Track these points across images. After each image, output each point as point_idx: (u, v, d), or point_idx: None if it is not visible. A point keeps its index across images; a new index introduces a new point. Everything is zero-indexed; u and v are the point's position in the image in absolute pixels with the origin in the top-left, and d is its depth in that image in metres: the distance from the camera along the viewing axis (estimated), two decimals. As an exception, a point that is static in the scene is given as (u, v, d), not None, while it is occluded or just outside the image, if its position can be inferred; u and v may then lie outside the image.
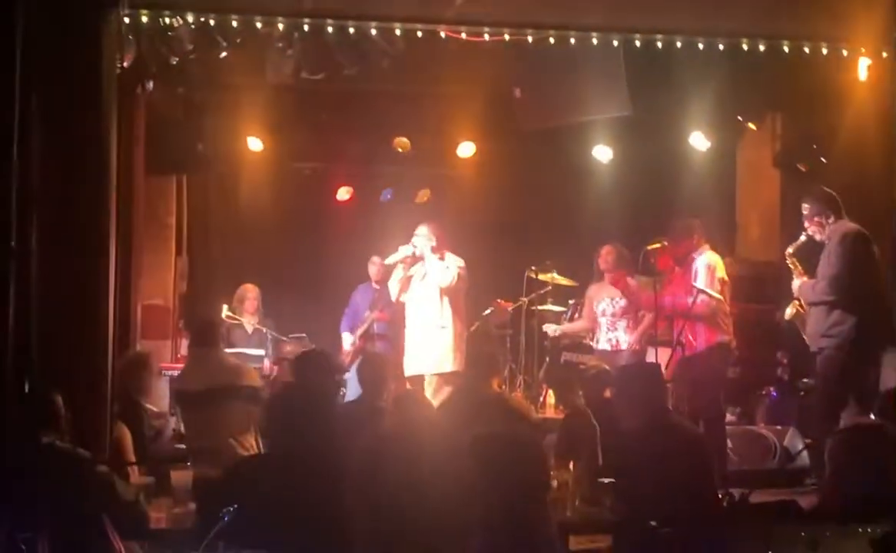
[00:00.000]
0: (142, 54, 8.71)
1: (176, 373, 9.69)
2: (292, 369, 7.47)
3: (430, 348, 9.71)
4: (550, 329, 11.57)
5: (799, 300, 8.77)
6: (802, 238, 8.82)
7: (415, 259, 9.87)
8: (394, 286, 10.03)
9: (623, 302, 10.44)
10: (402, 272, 9.91)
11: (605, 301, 10.61)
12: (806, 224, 8.66)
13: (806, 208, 8.65)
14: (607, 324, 10.59)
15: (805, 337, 8.75)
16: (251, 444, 7.50)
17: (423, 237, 9.80)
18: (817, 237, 8.59)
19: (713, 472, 6.36)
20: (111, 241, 7.62)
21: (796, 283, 8.72)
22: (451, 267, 9.70)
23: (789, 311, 8.93)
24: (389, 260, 10.00)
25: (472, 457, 2.83)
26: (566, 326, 11.52)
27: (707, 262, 9.23)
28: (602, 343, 10.58)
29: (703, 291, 9.01)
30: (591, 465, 6.24)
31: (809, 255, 8.89)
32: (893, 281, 9.00)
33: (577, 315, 11.58)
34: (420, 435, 2.77)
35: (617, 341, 10.51)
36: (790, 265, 8.86)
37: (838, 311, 8.28)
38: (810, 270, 8.70)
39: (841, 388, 8.29)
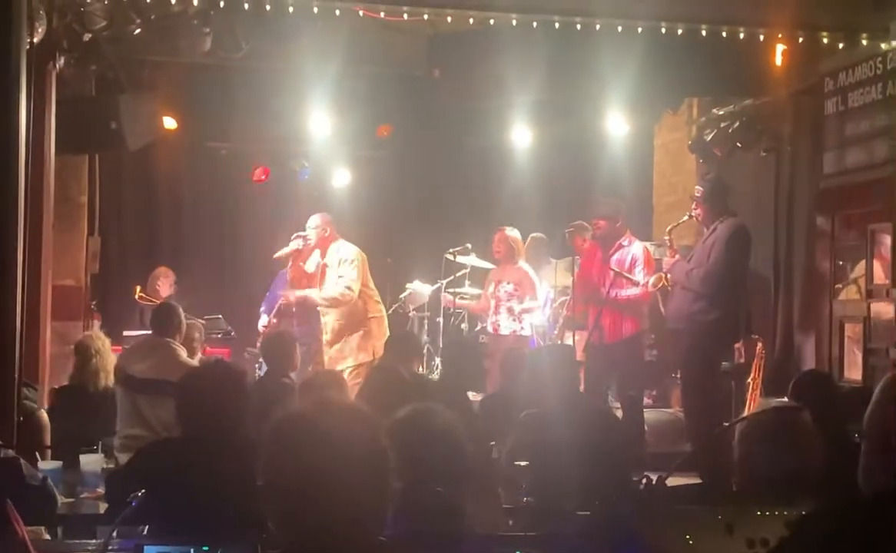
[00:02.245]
0: (53, 29, 8.51)
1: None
2: None
3: (346, 346, 9.73)
4: (447, 297, 11.53)
5: (667, 275, 8.84)
6: (685, 218, 8.92)
7: (308, 250, 9.92)
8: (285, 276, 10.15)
9: (510, 287, 10.49)
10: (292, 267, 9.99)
11: (492, 285, 10.72)
12: (694, 205, 8.72)
13: (699, 191, 8.70)
14: (494, 306, 10.67)
15: (662, 310, 8.86)
16: None
17: (313, 233, 9.85)
18: (699, 221, 8.73)
19: (627, 455, 6.40)
20: (20, 220, 7.43)
21: (669, 259, 8.80)
22: (343, 275, 9.67)
23: (653, 280, 8.99)
24: (278, 254, 10.04)
25: (392, 438, 2.78)
26: (466, 302, 11.50)
27: (643, 253, 9.26)
28: (488, 326, 10.72)
29: (622, 274, 9.05)
30: (509, 447, 6.22)
31: (693, 235, 9.04)
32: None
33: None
34: (334, 414, 2.70)
35: (497, 324, 10.58)
36: (667, 241, 8.95)
37: (704, 302, 8.39)
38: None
39: (699, 371, 8.53)
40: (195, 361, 8.07)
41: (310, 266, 10.11)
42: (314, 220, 9.94)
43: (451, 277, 11.80)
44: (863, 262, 10.23)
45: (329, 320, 9.84)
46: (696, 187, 8.80)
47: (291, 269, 10.21)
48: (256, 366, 10.75)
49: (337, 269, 9.73)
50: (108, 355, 7.92)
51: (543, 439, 5.90)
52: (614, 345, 9.15)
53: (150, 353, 7.87)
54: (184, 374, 5.22)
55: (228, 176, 13.48)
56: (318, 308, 10.04)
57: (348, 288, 9.65)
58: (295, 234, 10.22)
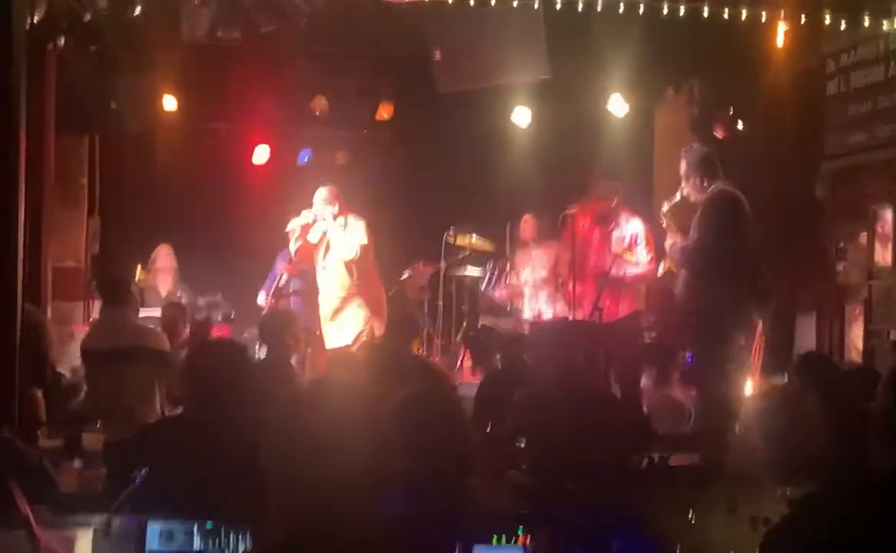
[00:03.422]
0: (53, 9, 8.49)
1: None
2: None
3: (346, 320, 9.65)
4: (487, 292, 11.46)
5: (672, 258, 8.71)
6: (677, 197, 8.49)
7: (313, 224, 9.80)
8: (292, 248, 9.96)
9: (544, 272, 10.43)
10: (300, 238, 9.83)
11: (525, 271, 10.58)
12: (682, 183, 8.35)
13: (682, 166, 8.40)
14: (529, 293, 10.56)
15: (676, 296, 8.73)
16: (154, 408, 7.39)
17: (321, 203, 9.69)
18: (692, 198, 8.26)
19: (626, 435, 6.38)
20: (20, 201, 7.41)
21: (669, 242, 8.57)
22: (354, 239, 9.55)
23: (662, 268, 8.91)
24: (290, 226, 9.87)
25: (394, 419, 2.77)
26: (501, 292, 11.41)
27: (641, 229, 9.19)
28: (526, 313, 10.55)
29: (622, 256, 9.04)
30: (509, 428, 6.22)
31: (690, 214, 8.89)
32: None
33: (495, 279, 11.56)
34: (336, 395, 2.69)
35: (539, 311, 10.48)
36: (664, 224, 8.72)
37: (703, 277, 8.02)
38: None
39: (709, 354, 8.15)
40: (145, 326, 8.12)
41: (313, 236, 9.94)
42: (321, 194, 9.73)
43: (452, 259, 11.80)
44: (864, 243, 10.23)
45: (330, 295, 9.75)
46: (681, 162, 8.48)
47: (300, 240, 10.02)
48: (257, 346, 10.73)
49: (343, 234, 9.58)
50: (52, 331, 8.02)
51: (542, 419, 5.89)
52: (612, 325, 9.13)
53: (104, 327, 7.93)
54: (185, 355, 5.20)
55: (228, 157, 13.44)
56: (318, 283, 9.93)
57: (357, 245, 9.52)
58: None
